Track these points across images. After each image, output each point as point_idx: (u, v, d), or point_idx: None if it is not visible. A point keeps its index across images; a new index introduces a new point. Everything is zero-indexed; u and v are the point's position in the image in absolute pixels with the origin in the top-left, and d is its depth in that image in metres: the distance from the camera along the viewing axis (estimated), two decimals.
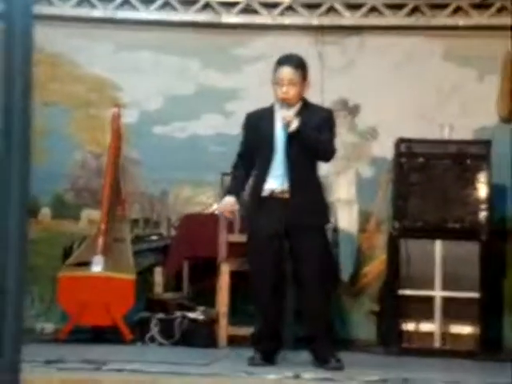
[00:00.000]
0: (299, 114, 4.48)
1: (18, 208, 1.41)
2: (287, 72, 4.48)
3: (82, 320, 5.26)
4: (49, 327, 5.88)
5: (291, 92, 4.46)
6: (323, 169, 6.43)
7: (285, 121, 4.40)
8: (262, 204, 4.48)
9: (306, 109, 4.51)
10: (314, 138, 4.44)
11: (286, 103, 4.47)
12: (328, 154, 4.55)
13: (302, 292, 4.55)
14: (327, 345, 4.51)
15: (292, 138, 4.44)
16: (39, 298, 6.30)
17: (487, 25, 6.36)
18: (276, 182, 4.45)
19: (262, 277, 4.51)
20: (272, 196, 4.47)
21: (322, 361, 4.45)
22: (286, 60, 4.55)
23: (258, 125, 4.57)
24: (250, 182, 4.69)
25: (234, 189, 4.64)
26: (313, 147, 4.46)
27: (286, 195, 4.46)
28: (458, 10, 6.41)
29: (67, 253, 5.82)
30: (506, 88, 6.36)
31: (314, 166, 4.61)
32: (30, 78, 1.37)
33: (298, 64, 4.54)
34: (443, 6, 6.41)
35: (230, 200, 4.59)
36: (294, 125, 4.37)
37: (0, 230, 1.40)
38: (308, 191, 4.49)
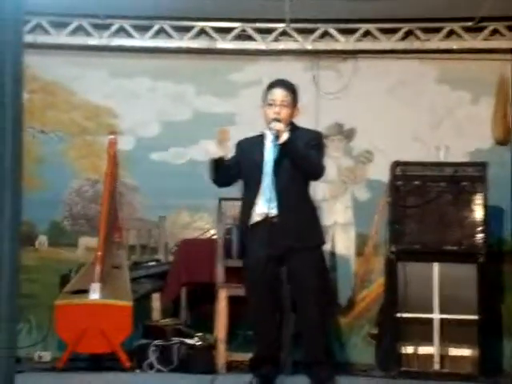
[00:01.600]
0: (289, 131, 4.50)
1: (10, 236, 1.41)
2: (279, 93, 4.51)
3: (79, 348, 5.24)
4: (46, 356, 5.86)
5: (283, 112, 4.48)
6: (319, 193, 6.48)
7: (275, 131, 4.40)
8: (254, 229, 4.47)
9: (295, 130, 4.53)
10: (303, 153, 4.44)
11: (276, 120, 4.47)
12: (317, 170, 4.52)
13: (300, 316, 4.53)
14: (325, 369, 4.48)
15: (281, 160, 4.44)
16: (37, 326, 6.28)
17: (480, 48, 6.41)
18: (266, 205, 4.44)
19: (260, 302, 4.49)
20: (263, 220, 4.46)
21: None
22: (278, 82, 4.58)
23: (249, 150, 4.58)
24: (241, 207, 4.68)
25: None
26: (301, 163, 4.44)
27: (277, 219, 4.45)
28: (451, 33, 6.46)
29: (64, 280, 5.80)
30: (500, 110, 6.40)
31: (305, 187, 4.60)
32: (20, 105, 1.38)
33: (290, 88, 4.57)
34: (437, 30, 6.46)
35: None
36: (285, 136, 4.38)
37: None
38: (299, 213, 4.47)
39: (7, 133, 1.41)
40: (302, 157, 4.43)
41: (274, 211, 4.44)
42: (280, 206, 4.43)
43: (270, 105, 4.50)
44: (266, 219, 4.44)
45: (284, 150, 4.40)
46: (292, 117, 4.53)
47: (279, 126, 4.40)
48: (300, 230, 4.44)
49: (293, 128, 4.51)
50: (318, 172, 4.53)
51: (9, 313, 1.39)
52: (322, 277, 4.68)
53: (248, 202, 4.53)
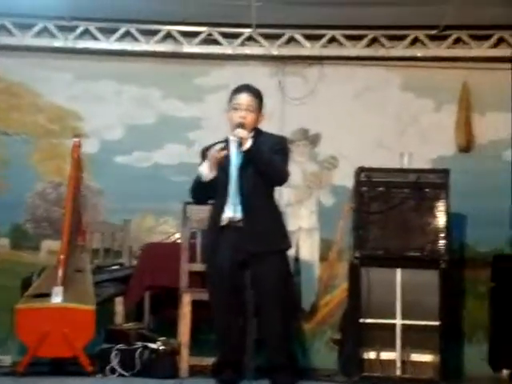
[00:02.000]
0: (253, 138, 4.51)
1: None
2: (245, 98, 4.53)
3: (41, 352, 5.18)
4: (7, 359, 5.80)
5: (248, 117, 4.49)
6: (284, 198, 6.50)
7: (238, 138, 4.41)
8: (219, 233, 4.47)
9: (259, 135, 4.54)
10: (267, 158, 4.45)
11: (241, 125, 4.48)
12: (281, 176, 4.55)
13: (263, 320, 4.53)
14: (288, 374, 4.50)
15: (246, 165, 4.44)
16: None
17: (444, 56, 6.48)
18: (232, 210, 4.45)
19: (223, 307, 4.49)
20: (229, 225, 4.47)
21: None
22: (244, 87, 4.60)
23: None
24: (208, 212, 4.68)
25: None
26: (266, 168, 4.45)
27: (241, 223, 4.46)
28: (415, 41, 6.53)
29: (26, 284, 5.74)
30: (463, 118, 6.47)
31: (270, 192, 4.61)
32: None
33: (256, 94, 4.58)
34: (401, 38, 6.52)
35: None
36: (248, 143, 4.39)
37: None
38: (264, 218, 4.49)
39: None
40: (266, 163, 4.45)
41: (238, 215, 4.45)
42: (245, 211, 4.44)
43: (236, 109, 4.51)
44: (231, 223, 4.46)
45: (248, 157, 4.41)
46: (257, 123, 4.55)
47: (242, 133, 4.42)
48: (264, 234, 4.46)
49: (257, 133, 4.53)
50: (282, 177, 4.55)
51: None
52: (285, 281, 4.70)
53: (216, 207, 4.54)
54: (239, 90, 4.59)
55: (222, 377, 4.52)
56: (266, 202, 4.55)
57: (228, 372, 4.53)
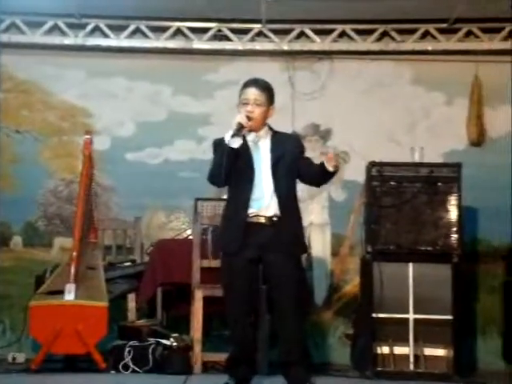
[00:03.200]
0: (271, 143, 4.49)
1: None
2: (253, 92, 4.49)
3: (54, 349, 5.20)
4: (21, 357, 5.81)
5: (256, 111, 4.46)
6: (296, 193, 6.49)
7: (237, 125, 4.29)
8: (240, 229, 4.44)
9: (275, 135, 4.52)
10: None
11: (248, 118, 4.42)
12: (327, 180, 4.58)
13: (278, 318, 4.51)
14: (302, 370, 4.49)
15: (276, 164, 4.43)
16: (11, 328, 6.25)
17: (455, 49, 6.45)
18: (254, 206, 4.42)
19: (237, 302, 4.48)
20: (251, 221, 4.44)
21: None
22: (252, 82, 4.57)
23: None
24: (225, 206, 4.64)
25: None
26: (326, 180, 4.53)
27: (263, 220, 4.44)
28: (426, 34, 6.51)
29: (39, 281, 5.76)
30: (474, 112, 6.44)
31: (295, 191, 4.60)
32: None
33: (265, 87, 4.55)
34: (412, 32, 6.50)
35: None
36: (333, 165, 4.37)
37: None
38: (287, 218, 4.47)
39: None
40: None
41: (261, 212, 4.42)
42: (279, 210, 4.42)
43: (244, 104, 4.49)
44: (254, 219, 4.43)
45: (329, 176, 4.43)
46: (267, 116, 4.51)
47: (241, 118, 4.35)
48: (287, 235, 4.43)
49: (273, 133, 4.52)
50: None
51: None
52: (301, 280, 4.69)
53: (237, 202, 4.49)
54: (247, 84, 4.57)
55: (235, 372, 4.52)
56: (295, 205, 4.54)
57: (241, 368, 4.52)
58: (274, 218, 4.41)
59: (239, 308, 4.46)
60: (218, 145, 4.47)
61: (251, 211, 4.41)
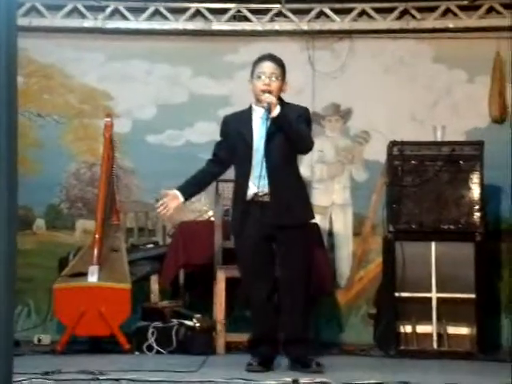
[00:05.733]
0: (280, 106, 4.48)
1: (6, 218, 1.41)
2: (269, 66, 4.50)
3: (78, 331, 5.24)
4: (46, 339, 5.87)
5: (273, 85, 4.46)
6: (317, 173, 6.48)
7: (266, 104, 4.38)
8: (245, 208, 4.47)
9: (283, 106, 4.51)
10: (295, 127, 4.43)
11: (268, 92, 4.45)
12: (308, 144, 4.50)
13: (283, 293, 4.51)
14: (302, 347, 4.50)
15: (271, 135, 4.43)
16: (35, 310, 6.30)
17: (476, 26, 6.39)
18: (256, 184, 4.42)
19: (255, 283, 4.50)
20: (254, 199, 4.45)
21: (302, 364, 4.45)
22: (267, 56, 4.57)
23: (237, 127, 4.56)
24: (232, 187, 4.68)
25: (185, 185, 4.63)
26: (294, 136, 4.41)
27: (267, 198, 4.45)
28: (447, 12, 6.44)
29: (63, 264, 5.81)
30: (496, 89, 6.39)
31: (296, 164, 4.60)
32: (14, 87, 1.37)
33: (279, 62, 4.56)
34: (432, 9, 6.44)
35: (171, 192, 4.58)
36: (277, 110, 4.37)
37: None
38: (291, 191, 4.48)
39: (1, 117, 1.40)
40: (295, 130, 4.42)
41: (265, 189, 4.43)
42: (272, 183, 4.42)
43: (259, 77, 4.48)
44: (258, 198, 4.44)
45: (276, 124, 4.39)
46: (281, 91, 4.52)
47: (271, 98, 4.38)
48: (292, 207, 4.44)
49: (282, 103, 4.50)
50: (308, 145, 4.52)
51: (7, 297, 1.39)
52: (312, 254, 4.69)
53: (240, 181, 4.52)
54: (262, 58, 4.56)
55: (258, 352, 4.53)
56: (292, 174, 4.53)
57: (264, 347, 4.54)
58: (269, 194, 4.41)
59: (258, 288, 4.47)
60: (225, 124, 4.62)
61: (251, 189, 4.43)
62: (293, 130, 4.40)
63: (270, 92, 4.42)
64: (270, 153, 4.42)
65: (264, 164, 4.41)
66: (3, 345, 1.38)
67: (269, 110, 4.37)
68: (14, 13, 1.40)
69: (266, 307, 4.51)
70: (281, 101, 4.50)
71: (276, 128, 4.40)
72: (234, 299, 5.55)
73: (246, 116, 4.56)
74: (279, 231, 4.42)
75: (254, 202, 4.45)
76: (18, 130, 1.42)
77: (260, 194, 4.43)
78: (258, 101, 4.50)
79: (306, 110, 4.66)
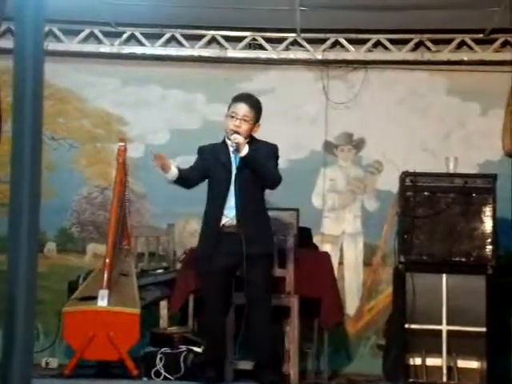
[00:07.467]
0: (248, 145, 4.68)
1: (27, 239, 1.41)
2: (242, 108, 4.69)
3: (87, 355, 5.23)
4: (53, 362, 5.85)
5: (243, 127, 4.64)
6: (328, 203, 6.48)
7: (235, 144, 4.53)
8: (215, 236, 4.62)
9: (253, 142, 4.71)
10: (262, 164, 4.64)
11: (236, 132, 4.65)
12: (275, 180, 4.70)
13: (250, 320, 4.69)
14: (274, 372, 4.62)
15: (242, 169, 4.61)
16: (44, 333, 6.29)
17: (491, 60, 6.41)
18: (229, 214, 4.61)
19: (216, 308, 4.72)
20: (224, 229, 4.60)
21: None
22: (243, 97, 4.77)
23: (215, 156, 4.74)
24: (206, 213, 4.82)
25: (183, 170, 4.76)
26: (262, 172, 4.63)
27: (237, 228, 4.61)
28: (461, 45, 6.47)
29: (72, 287, 5.80)
30: (509, 122, 6.39)
31: (262, 197, 4.80)
32: (40, 111, 1.38)
33: (254, 104, 4.74)
34: (447, 41, 6.46)
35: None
36: (245, 150, 4.53)
37: (10, 264, 1.41)
38: (257, 222, 4.69)
39: (26, 140, 1.42)
40: (262, 167, 4.58)
41: (234, 221, 4.59)
42: (241, 216, 4.57)
43: (232, 117, 4.67)
44: (228, 228, 4.59)
45: (245, 162, 4.55)
46: (251, 132, 4.70)
47: (238, 138, 4.58)
48: (258, 238, 4.62)
49: (251, 140, 4.66)
50: (276, 182, 4.72)
51: (26, 318, 1.40)
52: (270, 280, 4.87)
53: (214, 209, 4.66)
54: (238, 98, 4.78)
55: (206, 374, 4.66)
56: (258, 207, 4.73)
57: (210, 369, 4.68)
58: (240, 225, 4.59)
59: (216, 314, 4.76)
60: (200, 153, 4.81)
61: (223, 221, 4.64)
62: (260, 168, 4.56)
63: (238, 133, 4.57)
64: (241, 186, 4.53)
65: (237, 196, 4.57)
66: (22, 369, 1.38)
67: (237, 150, 4.53)
68: (42, 34, 1.41)
69: (223, 333, 4.77)
70: (251, 137, 4.65)
71: (244, 165, 4.59)
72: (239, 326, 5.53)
73: (223, 147, 4.74)
74: (247, 259, 4.57)
75: (223, 232, 4.58)
76: (42, 156, 1.43)
77: (229, 224, 4.55)
78: (227, 138, 4.69)
79: (275, 146, 4.83)
